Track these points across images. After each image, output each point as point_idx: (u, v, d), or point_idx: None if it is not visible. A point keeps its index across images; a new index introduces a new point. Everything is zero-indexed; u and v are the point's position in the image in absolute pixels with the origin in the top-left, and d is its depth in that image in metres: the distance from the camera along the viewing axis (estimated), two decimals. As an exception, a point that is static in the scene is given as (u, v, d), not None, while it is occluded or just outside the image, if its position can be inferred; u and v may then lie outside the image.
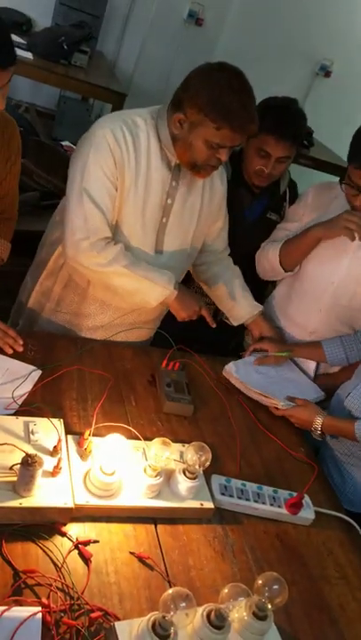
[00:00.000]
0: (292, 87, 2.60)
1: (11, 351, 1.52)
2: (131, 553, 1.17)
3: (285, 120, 1.84)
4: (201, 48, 4.43)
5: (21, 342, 1.53)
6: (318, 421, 1.62)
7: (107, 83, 4.04)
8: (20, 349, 1.53)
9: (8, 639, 0.93)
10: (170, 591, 0.98)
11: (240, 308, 1.91)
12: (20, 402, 1.37)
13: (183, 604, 0.96)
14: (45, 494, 1.15)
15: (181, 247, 1.72)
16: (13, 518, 1.12)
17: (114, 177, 1.52)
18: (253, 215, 2.05)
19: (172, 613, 0.96)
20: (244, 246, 2.06)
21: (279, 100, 1.91)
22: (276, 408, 1.71)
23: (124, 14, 4.63)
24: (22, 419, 1.29)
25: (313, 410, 1.67)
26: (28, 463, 1.11)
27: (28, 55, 4.00)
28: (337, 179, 1.78)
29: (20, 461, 1.12)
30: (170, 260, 1.71)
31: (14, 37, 4.02)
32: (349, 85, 5.04)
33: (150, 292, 1.63)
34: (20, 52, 3.99)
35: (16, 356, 1.52)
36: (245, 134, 1.50)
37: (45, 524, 1.14)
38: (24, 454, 1.12)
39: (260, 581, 1.06)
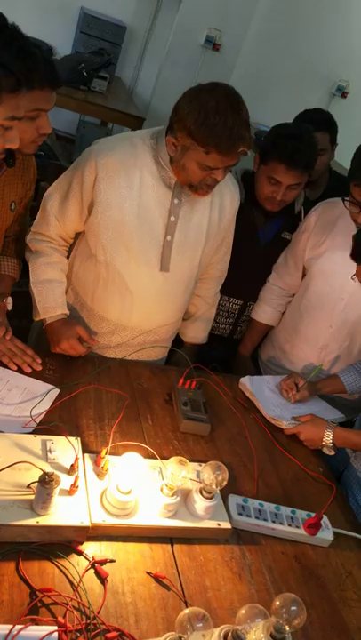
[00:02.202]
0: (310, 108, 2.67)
1: (29, 370, 1.54)
2: (147, 573, 1.17)
3: (296, 149, 1.83)
4: (218, 72, 4.49)
5: (39, 361, 1.56)
6: (328, 435, 1.61)
7: (125, 107, 4.13)
8: (39, 368, 1.55)
9: (24, 658, 0.94)
10: (186, 611, 0.97)
11: (187, 329, 1.99)
12: (37, 420, 1.38)
13: (200, 625, 0.95)
14: (62, 513, 1.15)
15: (190, 267, 1.73)
16: (30, 537, 1.13)
17: (81, 195, 1.61)
18: (268, 236, 2.06)
19: (188, 634, 0.95)
20: (259, 267, 2.08)
21: (291, 129, 1.91)
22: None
23: (143, 41, 4.74)
24: (40, 437, 1.30)
25: (321, 424, 1.65)
26: (46, 481, 1.11)
27: (49, 81, 4.09)
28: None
29: (37, 479, 1.13)
30: (180, 280, 1.72)
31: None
32: (366, 105, 5.08)
33: (34, 308, 1.72)
34: (40, 78, 4.08)
35: (35, 374, 1.54)
36: (236, 155, 1.47)
37: (62, 543, 1.15)
38: (41, 472, 1.13)
39: (277, 603, 1.05)
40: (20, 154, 1.55)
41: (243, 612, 1.01)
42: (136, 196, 1.58)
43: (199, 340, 2.01)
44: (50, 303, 1.69)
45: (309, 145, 1.87)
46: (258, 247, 2.05)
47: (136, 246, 1.62)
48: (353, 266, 1.80)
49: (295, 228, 2.02)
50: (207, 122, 1.41)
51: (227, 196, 1.73)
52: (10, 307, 1.69)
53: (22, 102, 1.38)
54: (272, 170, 1.86)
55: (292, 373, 1.87)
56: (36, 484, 1.13)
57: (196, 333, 2.01)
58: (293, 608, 1.04)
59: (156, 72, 4.75)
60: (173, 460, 1.25)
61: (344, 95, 5.12)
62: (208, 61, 4.67)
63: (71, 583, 1.09)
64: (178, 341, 2.00)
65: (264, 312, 2.11)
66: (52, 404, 1.46)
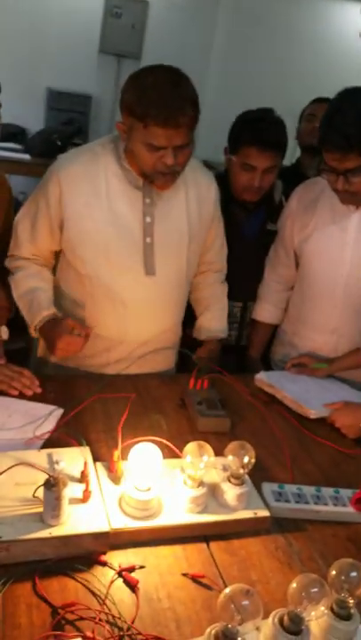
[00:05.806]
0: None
1: (30, 393, 1.45)
2: (183, 574, 1.03)
3: (264, 130, 1.81)
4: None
5: (37, 383, 1.46)
6: None
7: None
8: (39, 390, 1.46)
9: None
10: (226, 591, 0.83)
11: (200, 324, 1.88)
12: (42, 440, 1.28)
13: (246, 602, 0.82)
14: (77, 521, 1.03)
15: (178, 267, 1.65)
16: (45, 552, 1.00)
17: (49, 214, 1.56)
18: (252, 230, 2.00)
19: (238, 617, 0.81)
20: (251, 264, 2.01)
21: (254, 112, 1.89)
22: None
23: (111, 106, 4.90)
24: (45, 451, 1.20)
25: (357, 407, 1.53)
26: (51, 484, 1.00)
27: (26, 156, 4.25)
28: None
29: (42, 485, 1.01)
30: (170, 282, 1.64)
31: (10, 144, 4.32)
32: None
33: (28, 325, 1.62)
34: (17, 155, 4.23)
35: (35, 398, 1.45)
36: (177, 127, 1.38)
37: (82, 556, 1.02)
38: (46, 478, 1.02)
39: (333, 572, 0.91)
40: None
41: (294, 585, 0.87)
42: (105, 202, 1.54)
43: (217, 332, 1.85)
44: (34, 309, 1.59)
45: (276, 123, 1.85)
46: (245, 244, 1.98)
47: (116, 253, 1.56)
48: (344, 242, 1.73)
49: (278, 218, 1.96)
50: (144, 96, 1.37)
51: (202, 187, 1.67)
52: (5, 336, 1.62)
53: None
54: (245, 156, 1.83)
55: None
56: (42, 491, 1.01)
57: (211, 324, 1.85)
58: (354, 574, 0.90)
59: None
60: (190, 445, 1.13)
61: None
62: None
63: (97, 597, 0.96)
64: (186, 345, 1.86)
65: (265, 310, 2.01)
66: (57, 424, 1.36)
